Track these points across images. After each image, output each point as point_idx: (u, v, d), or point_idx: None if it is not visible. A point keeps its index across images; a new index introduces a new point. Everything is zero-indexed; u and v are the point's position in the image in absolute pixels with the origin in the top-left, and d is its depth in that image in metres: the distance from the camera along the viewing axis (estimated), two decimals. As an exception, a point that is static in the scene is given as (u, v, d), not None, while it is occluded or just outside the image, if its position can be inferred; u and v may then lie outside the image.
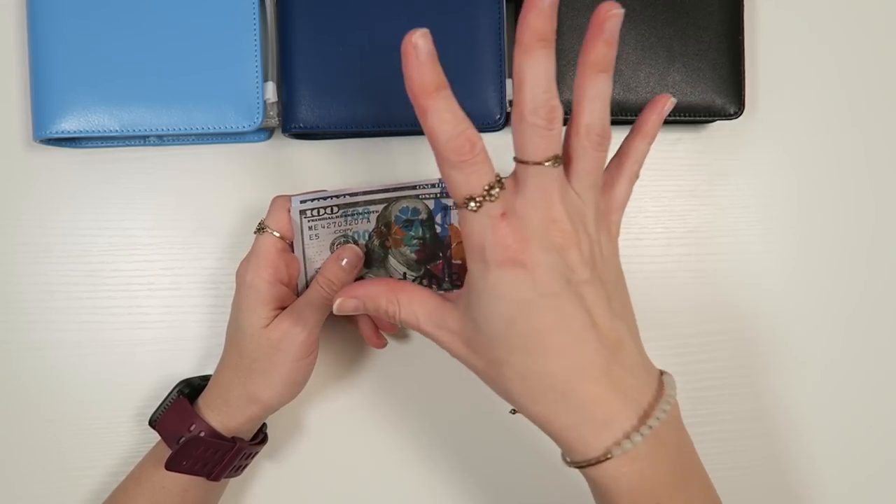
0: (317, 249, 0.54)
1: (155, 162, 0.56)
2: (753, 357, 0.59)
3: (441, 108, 0.33)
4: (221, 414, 0.48)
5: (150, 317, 0.56)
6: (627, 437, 0.35)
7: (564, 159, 0.36)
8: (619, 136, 0.57)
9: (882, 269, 0.59)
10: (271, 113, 0.53)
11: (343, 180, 0.57)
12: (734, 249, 0.59)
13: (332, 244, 0.55)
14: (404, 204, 0.54)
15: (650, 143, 0.40)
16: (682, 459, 0.38)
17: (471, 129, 0.33)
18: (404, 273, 0.54)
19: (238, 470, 0.50)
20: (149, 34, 0.51)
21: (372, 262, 0.54)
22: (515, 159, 0.35)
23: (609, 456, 0.35)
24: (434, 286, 0.54)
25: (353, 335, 0.57)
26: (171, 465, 0.46)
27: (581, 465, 0.36)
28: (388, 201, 0.54)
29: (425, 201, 0.54)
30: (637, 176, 0.40)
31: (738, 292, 0.59)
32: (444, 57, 0.51)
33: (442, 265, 0.55)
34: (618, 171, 0.40)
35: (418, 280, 0.54)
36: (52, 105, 0.51)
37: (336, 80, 0.52)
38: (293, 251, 0.50)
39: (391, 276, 0.54)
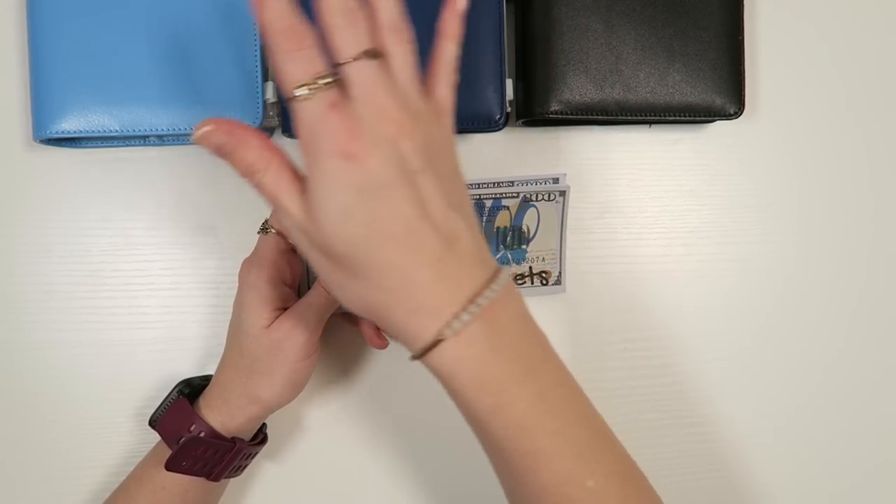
0: None
1: (155, 162, 0.56)
2: (753, 357, 0.59)
3: (275, 1, 0.34)
4: (222, 414, 0.48)
5: (150, 317, 0.56)
6: (456, 317, 0.35)
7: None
8: (620, 135, 0.58)
9: (882, 268, 0.59)
10: (271, 113, 0.53)
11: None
12: (734, 249, 0.59)
13: None
14: None
15: (457, 44, 0.41)
16: (529, 349, 0.38)
17: (304, 24, 0.35)
18: None
19: (238, 470, 0.50)
20: (149, 34, 0.51)
21: None
22: (335, 64, 0.35)
23: (441, 338, 0.35)
24: None
25: (353, 335, 0.57)
26: (171, 466, 0.46)
27: (419, 356, 0.36)
28: None
29: None
30: (452, 77, 0.41)
31: (739, 292, 0.59)
32: (443, 57, 0.52)
33: None
34: (433, 75, 0.41)
35: None
36: (52, 105, 0.51)
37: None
38: (296, 252, 0.50)
39: None
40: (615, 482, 0.39)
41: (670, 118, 0.54)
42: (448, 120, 0.40)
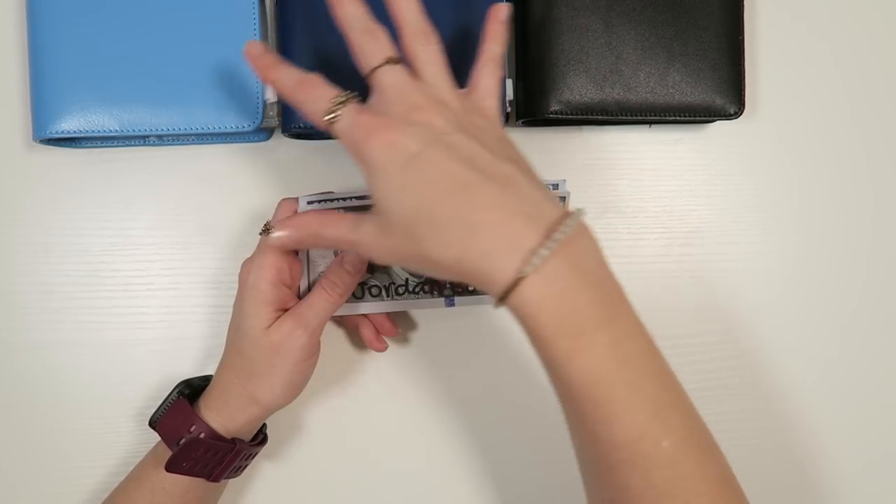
0: (321, 252, 0.54)
1: (155, 162, 0.56)
2: (754, 357, 0.59)
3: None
4: (221, 415, 0.48)
5: (150, 317, 0.56)
6: (534, 252, 0.35)
7: (408, 66, 0.41)
8: (620, 135, 0.58)
9: (882, 268, 0.59)
10: (271, 113, 0.53)
11: (343, 180, 0.57)
12: (734, 249, 0.59)
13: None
14: None
15: (502, 47, 0.44)
16: (606, 296, 0.37)
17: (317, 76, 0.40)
18: (406, 279, 0.54)
19: (238, 471, 0.50)
20: (149, 34, 0.51)
21: (375, 268, 0.54)
22: (365, 76, 0.40)
23: (522, 276, 0.35)
24: (435, 293, 0.55)
25: (353, 337, 0.57)
26: (171, 467, 0.46)
27: (503, 298, 0.36)
28: None
29: None
30: (498, 70, 0.44)
31: (739, 292, 0.59)
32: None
33: None
34: (477, 69, 0.44)
35: (420, 287, 0.54)
36: (52, 105, 0.51)
37: (336, 79, 0.52)
38: (297, 254, 0.50)
39: (394, 282, 0.54)
40: (692, 446, 0.38)
41: (670, 118, 0.54)
42: (491, 101, 0.43)
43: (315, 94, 0.40)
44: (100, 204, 0.56)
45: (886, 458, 0.59)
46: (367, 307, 0.54)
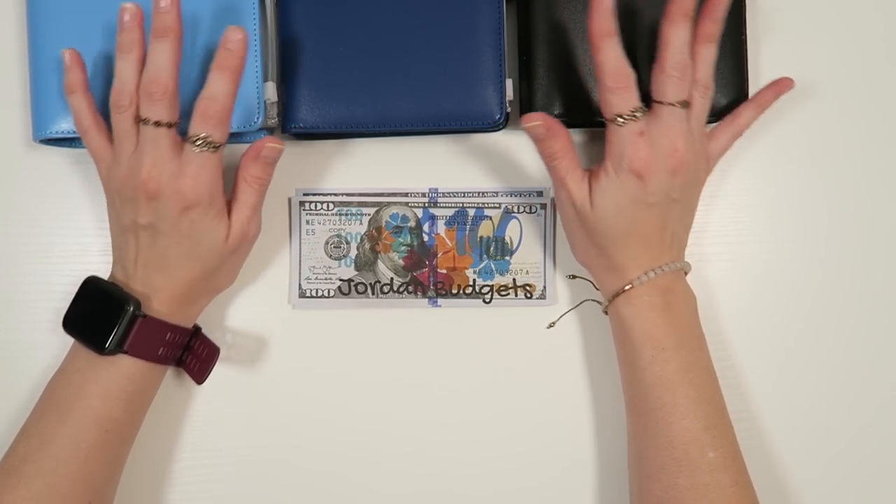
0: (311, 247, 0.55)
1: (155, 162, 0.56)
2: (753, 357, 0.59)
3: (610, 47, 0.46)
4: (183, 314, 0.51)
5: (150, 317, 0.56)
6: (644, 272, 0.49)
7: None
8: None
9: (882, 269, 0.59)
10: (271, 113, 0.53)
11: (343, 180, 0.57)
12: (734, 249, 0.59)
13: (326, 243, 0.55)
14: (394, 210, 0.55)
15: (759, 113, 0.53)
16: (689, 330, 0.50)
17: (629, 67, 0.47)
18: (391, 278, 0.55)
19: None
20: (148, 34, 0.51)
21: (362, 266, 0.55)
22: (654, 100, 0.48)
23: (630, 286, 0.49)
24: (420, 293, 0.55)
25: (353, 337, 0.57)
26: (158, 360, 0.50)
27: (611, 299, 0.51)
28: (380, 205, 0.55)
29: (414, 209, 0.55)
30: (740, 134, 0.53)
31: (739, 292, 0.59)
32: (444, 57, 0.52)
33: (428, 273, 0.56)
34: (725, 126, 0.53)
35: (404, 287, 0.55)
36: (52, 105, 0.51)
37: (336, 80, 0.52)
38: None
39: (379, 281, 0.55)
40: (731, 467, 0.48)
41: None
42: (714, 162, 0.53)
43: (622, 92, 0.47)
44: (100, 204, 0.55)
45: (890, 460, 0.59)
46: (353, 304, 0.55)
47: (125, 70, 0.47)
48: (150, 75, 0.46)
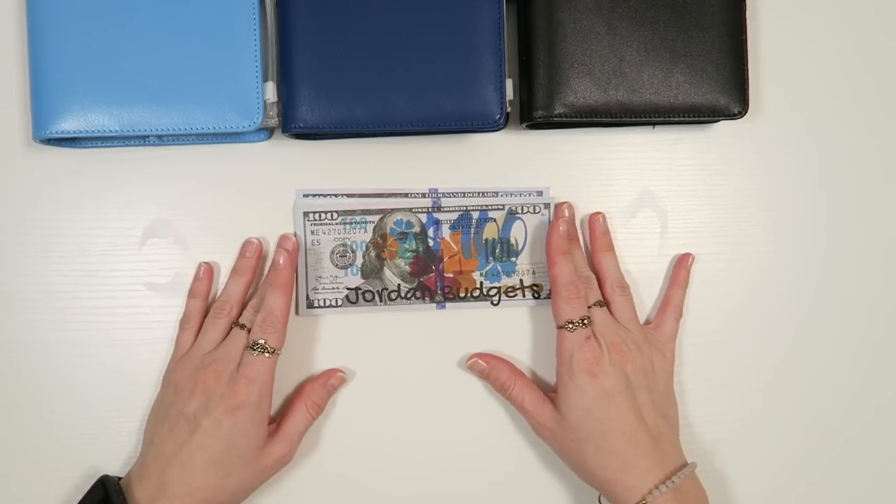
0: (316, 257, 0.54)
1: (155, 162, 0.56)
2: (753, 357, 0.59)
3: (564, 262, 0.53)
4: None
5: (150, 317, 0.56)
6: (656, 487, 0.49)
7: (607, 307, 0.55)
8: (621, 136, 0.58)
9: (882, 269, 0.59)
10: (271, 113, 0.53)
11: (343, 180, 0.57)
12: (734, 249, 0.59)
13: (332, 252, 0.55)
14: (399, 216, 0.55)
15: (685, 290, 0.57)
16: None
17: (579, 281, 0.53)
18: (399, 285, 0.55)
19: None
20: (148, 34, 0.51)
21: (368, 273, 0.55)
22: (588, 306, 0.54)
23: (644, 502, 0.49)
24: (427, 298, 0.55)
25: (354, 339, 0.57)
26: None
27: None
28: (384, 212, 0.55)
29: (418, 215, 0.55)
30: (680, 314, 0.57)
31: (739, 292, 0.59)
32: (444, 57, 0.52)
33: (434, 278, 0.56)
34: (663, 313, 0.57)
35: (412, 292, 0.55)
36: (52, 105, 0.51)
37: (336, 79, 0.52)
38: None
39: (386, 288, 0.55)
40: None
41: (674, 119, 0.54)
42: (671, 346, 0.56)
43: (573, 301, 0.52)
44: (100, 204, 0.56)
45: (891, 460, 0.59)
46: (361, 313, 0.55)
47: (234, 287, 0.54)
48: (268, 309, 0.52)
